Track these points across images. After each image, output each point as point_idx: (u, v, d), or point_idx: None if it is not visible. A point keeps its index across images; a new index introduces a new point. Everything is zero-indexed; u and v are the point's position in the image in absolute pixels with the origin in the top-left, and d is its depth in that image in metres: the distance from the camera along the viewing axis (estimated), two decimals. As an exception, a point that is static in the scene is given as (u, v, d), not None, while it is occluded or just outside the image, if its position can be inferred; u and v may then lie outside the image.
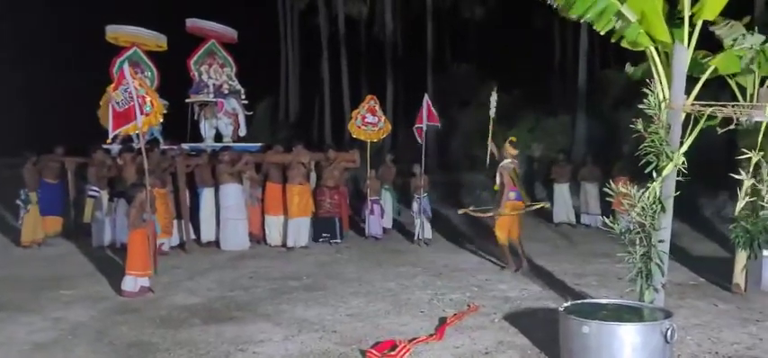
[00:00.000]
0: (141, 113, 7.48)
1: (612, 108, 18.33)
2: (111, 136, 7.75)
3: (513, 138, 8.73)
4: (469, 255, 9.46)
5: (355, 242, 10.77)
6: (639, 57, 6.44)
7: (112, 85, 7.66)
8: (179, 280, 7.74)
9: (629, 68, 7.03)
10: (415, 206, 10.74)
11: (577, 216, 12.81)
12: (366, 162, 11.13)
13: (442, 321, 5.62)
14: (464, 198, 17.58)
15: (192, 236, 10.02)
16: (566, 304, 4.68)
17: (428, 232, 10.57)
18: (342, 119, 25.08)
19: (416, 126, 10.92)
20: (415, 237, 10.49)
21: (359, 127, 11.28)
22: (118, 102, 7.30)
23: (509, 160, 8.42)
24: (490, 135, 9.14)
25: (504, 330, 5.47)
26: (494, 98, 9.66)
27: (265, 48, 27.15)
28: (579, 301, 5.08)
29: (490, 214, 8.77)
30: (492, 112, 9.54)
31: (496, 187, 8.56)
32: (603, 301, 5.12)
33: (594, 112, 18.58)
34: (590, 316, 4.36)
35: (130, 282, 6.93)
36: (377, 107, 11.43)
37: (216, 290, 7.18)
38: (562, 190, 12.80)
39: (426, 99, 11.01)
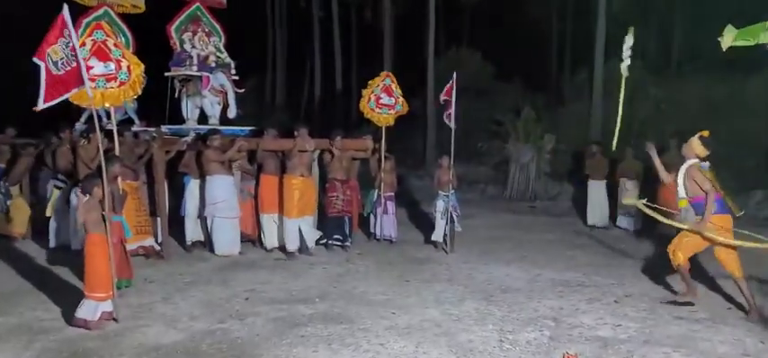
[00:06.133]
0: (112, 80, 5.62)
1: (627, 98, 16.85)
2: (40, 106, 5.11)
3: (705, 133, 6.06)
4: (509, 266, 7.74)
5: (366, 247, 9.00)
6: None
7: (45, 40, 5.46)
8: (152, 301, 5.91)
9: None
10: (439, 204, 8.97)
11: (613, 217, 11.20)
12: (380, 151, 9.36)
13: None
14: (467, 193, 15.97)
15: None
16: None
17: (457, 228, 8.86)
18: (333, 103, 23.42)
19: (446, 111, 9.22)
20: (441, 241, 8.76)
21: (372, 109, 9.47)
22: (55, 62, 5.04)
23: (696, 161, 5.93)
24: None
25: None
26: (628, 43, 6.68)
27: (249, 24, 25.14)
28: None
29: (684, 226, 6.09)
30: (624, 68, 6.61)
31: (684, 202, 6.00)
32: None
33: (608, 103, 17.13)
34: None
35: (89, 309, 5.10)
36: (393, 86, 9.62)
37: (201, 319, 5.37)
38: (599, 187, 11.13)
39: (454, 78, 9.20)
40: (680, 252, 5.97)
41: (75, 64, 4.88)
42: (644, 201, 6.61)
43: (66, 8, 4.99)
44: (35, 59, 5.01)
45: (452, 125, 8.92)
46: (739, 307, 5.86)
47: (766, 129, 14.12)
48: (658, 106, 15.66)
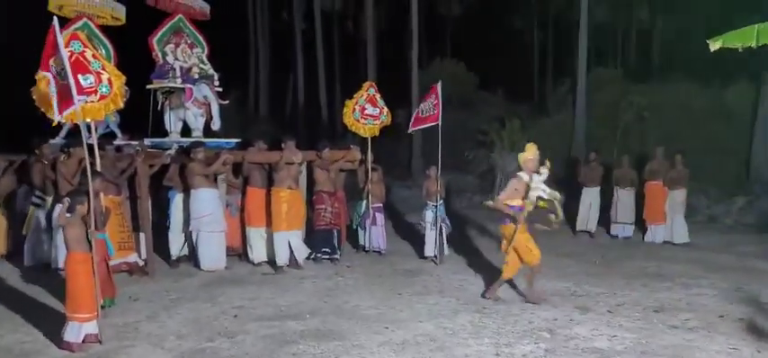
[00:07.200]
0: (92, 94, 5.47)
1: (610, 107, 16.99)
2: (57, 118, 5.20)
3: None
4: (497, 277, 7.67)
5: (355, 259, 8.91)
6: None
7: (45, 53, 5.47)
8: (137, 320, 5.75)
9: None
10: (428, 215, 8.90)
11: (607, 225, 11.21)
12: (367, 162, 9.28)
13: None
14: (455, 203, 15.97)
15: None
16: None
17: (446, 247, 8.81)
18: (317, 115, 23.32)
19: (427, 124, 9.26)
20: (432, 254, 8.67)
21: (357, 120, 9.40)
22: (58, 72, 5.13)
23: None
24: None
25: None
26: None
27: (232, 36, 24.97)
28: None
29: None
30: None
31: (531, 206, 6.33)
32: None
33: (591, 112, 17.30)
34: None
35: (73, 331, 4.93)
36: (377, 96, 9.57)
37: (189, 338, 5.23)
38: (592, 194, 11.11)
39: (439, 87, 9.23)
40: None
41: (65, 81, 4.77)
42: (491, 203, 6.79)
43: (56, 21, 4.89)
44: (43, 73, 4.94)
45: (410, 130, 9.78)
46: (730, 315, 5.87)
47: (746, 137, 14.32)
48: (640, 114, 15.80)
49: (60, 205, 7.43)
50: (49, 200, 8.22)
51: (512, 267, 6.41)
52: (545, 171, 6.33)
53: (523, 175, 6.28)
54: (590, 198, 11.07)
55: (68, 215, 5.06)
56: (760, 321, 5.59)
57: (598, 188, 11.10)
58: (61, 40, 4.86)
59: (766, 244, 9.89)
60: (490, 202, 6.71)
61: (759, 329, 5.35)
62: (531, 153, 6.34)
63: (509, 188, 6.32)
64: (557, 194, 6.34)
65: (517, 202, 6.26)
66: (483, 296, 6.54)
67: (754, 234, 11.11)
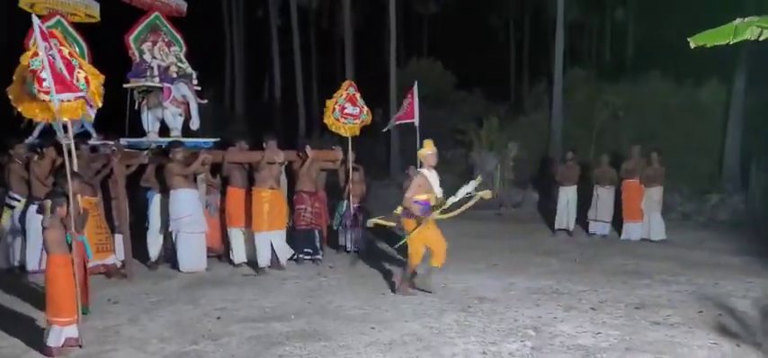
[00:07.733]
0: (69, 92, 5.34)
1: (586, 106, 17.17)
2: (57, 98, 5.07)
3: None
4: (482, 275, 7.74)
5: (337, 259, 8.87)
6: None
7: (28, 54, 5.33)
8: (118, 323, 5.64)
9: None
10: (409, 215, 8.90)
11: (585, 223, 11.33)
12: (348, 161, 9.25)
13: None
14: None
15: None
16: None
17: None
18: (295, 114, 23.19)
19: (400, 121, 9.57)
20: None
21: (337, 119, 9.36)
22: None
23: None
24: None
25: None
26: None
27: (206, 34, 24.62)
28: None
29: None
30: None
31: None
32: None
33: (567, 112, 17.46)
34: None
35: (55, 335, 4.82)
36: (357, 95, 9.55)
37: (172, 341, 5.14)
38: (570, 193, 11.21)
39: (415, 89, 9.40)
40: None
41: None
42: (380, 218, 7.31)
43: (35, 19, 4.78)
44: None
45: (391, 125, 10.24)
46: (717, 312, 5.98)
47: (719, 135, 14.60)
48: (615, 113, 16.02)
49: (33, 206, 7.33)
50: (23, 201, 8.03)
51: (416, 254, 6.68)
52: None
53: (424, 171, 6.68)
54: (567, 196, 11.18)
55: (50, 216, 4.94)
56: (737, 316, 5.70)
57: (575, 186, 11.22)
58: (40, 38, 4.74)
59: (738, 240, 10.10)
60: (399, 208, 6.78)
61: (736, 324, 5.47)
62: (429, 149, 6.73)
63: (413, 186, 6.64)
64: (488, 195, 7.04)
65: (423, 197, 6.58)
66: (394, 291, 6.75)
67: (726, 231, 11.35)
